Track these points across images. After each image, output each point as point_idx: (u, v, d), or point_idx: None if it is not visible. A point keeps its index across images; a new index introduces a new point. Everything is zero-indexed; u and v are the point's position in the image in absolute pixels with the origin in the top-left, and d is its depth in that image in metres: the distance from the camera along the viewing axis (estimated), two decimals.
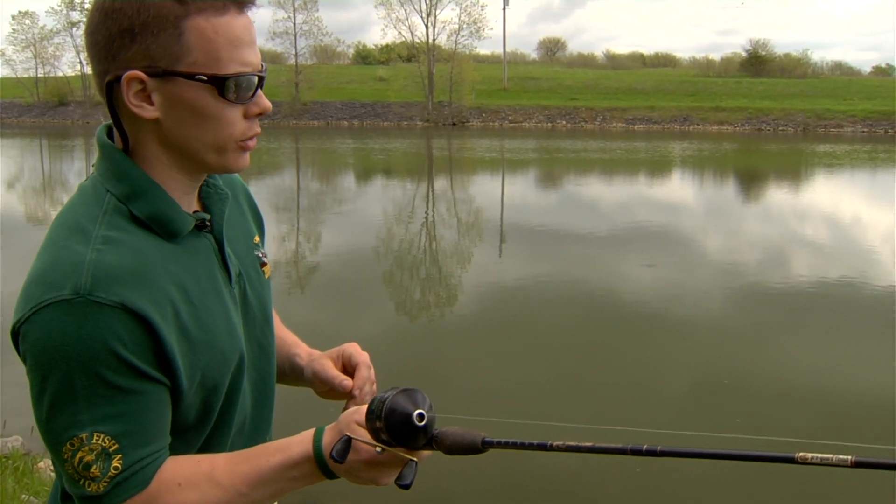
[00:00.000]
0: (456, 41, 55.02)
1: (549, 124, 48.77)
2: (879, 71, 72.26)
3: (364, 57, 75.87)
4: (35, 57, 62.01)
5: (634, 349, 6.91)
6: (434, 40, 54.88)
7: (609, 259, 10.92)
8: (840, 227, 13.96)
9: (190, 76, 1.01)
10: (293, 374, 1.39)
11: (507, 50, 63.26)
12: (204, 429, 1.11)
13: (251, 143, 1.09)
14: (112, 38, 1.00)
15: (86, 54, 1.06)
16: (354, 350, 1.36)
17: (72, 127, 50.93)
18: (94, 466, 0.96)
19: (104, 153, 1.07)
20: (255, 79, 1.05)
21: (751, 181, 22.95)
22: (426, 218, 15.35)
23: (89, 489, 0.97)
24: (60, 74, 61.97)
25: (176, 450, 1.06)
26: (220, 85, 1.02)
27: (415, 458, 1.02)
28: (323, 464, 1.05)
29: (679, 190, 20.08)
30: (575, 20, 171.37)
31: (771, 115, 45.77)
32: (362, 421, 1.04)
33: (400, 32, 60.03)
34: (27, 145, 37.25)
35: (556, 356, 6.80)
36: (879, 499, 4.29)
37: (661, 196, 18.59)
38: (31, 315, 0.95)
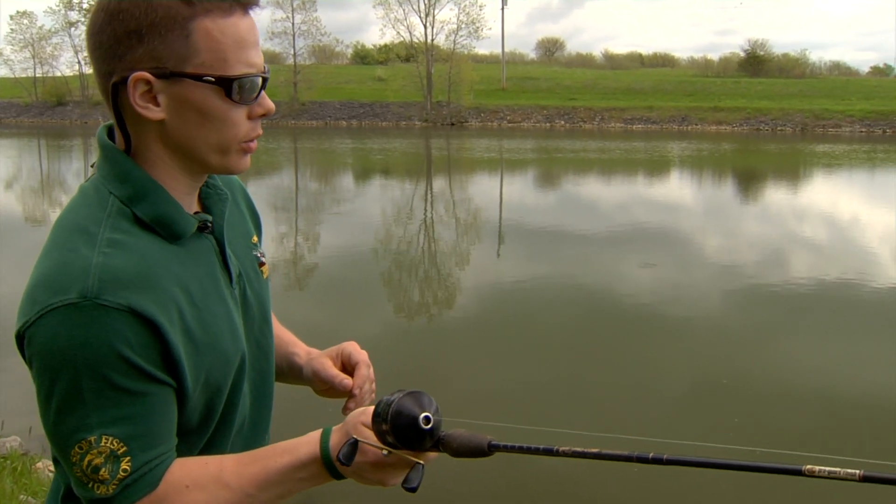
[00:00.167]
0: (454, 41, 55.06)
1: (548, 124, 48.78)
2: (877, 71, 72.32)
3: (362, 57, 75.84)
4: (33, 57, 62.00)
5: (634, 349, 6.91)
6: (432, 40, 54.94)
7: (608, 259, 10.92)
8: (839, 227, 13.97)
9: (198, 77, 1.01)
10: (291, 372, 1.39)
11: (506, 50, 63.35)
12: (206, 431, 1.11)
13: (253, 146, 1.10)
14: (118, 39, 0.99)
15: (87, 55, 1.06)
16: (353, 349, 1.37)
17: (70, 127, 50.90)
18: (103, 469, 0.96)
19: (106, 155, 1.07)
20: (259, 80, 1.06)
21: (749, 181, 22.97)
22: (425, 218, 15.35)
23: (98, 492, 0.97)
24: (59, 74, 61.98)
25: (179, 452, 1.06)
26: (228, 86, 1.02)
27: (421, 461, 1.03)
28: (330, 465, 1.05)
29: (678, 190, 20.09)
30: (573, 20, 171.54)
31: (769, 115, 45.79)
32: (369, 422, 1.04)
33: (398, 32, 60.07)
34: (25, 145, 37.23)
35: (555, 356, 6.80)
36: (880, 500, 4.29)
37: (661, 196, 18.60)
38: (38, 319, 0.94)
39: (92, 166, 1.12)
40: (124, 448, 0.96)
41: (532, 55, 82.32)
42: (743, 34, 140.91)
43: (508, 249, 12.01)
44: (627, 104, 49.69)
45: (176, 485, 1.01)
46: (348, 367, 1.35)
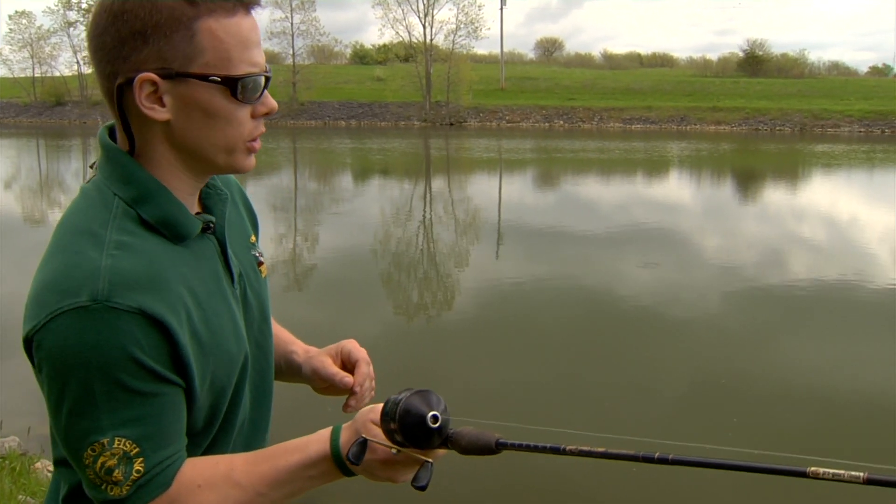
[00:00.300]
0: (453, 41, 55.08)
1: (547, 124, 48.79)
2: (876, 71, 72.37)
3: (361, 57, 75.84)
4: (32, 57, 62.00)
5: (633, 349, 6.92)
6: (431, 40, 54.93)
7: (607, 259, 10.92)
8: (839, 227, 13.98)
9: (203, 77, 1.01)
10: (289, 371, 1.40)
11: (505, 50, 63.40)
12: (210, 431, 1.12)
13: (257, 145, 1.11)
14: (123, 41, 0.99)
15: (87, 56, 1.06)
16: (353, 346, 1.38)
17: (69, 127, 50.89)
18: (117, 470, 0.96)
19: (109, 156, 1.07)
20: (262, 79, 1.07)
21: (749, 181, 22.98)
22: (424, 218, 15.35)
23: (112, 493, 0.97)
24: (57, 74, 61.94)
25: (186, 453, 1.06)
26: (233, 86, 1.03)
27: (430, 459, 1.04)
28: (341, 463, 1.06)
29: (677, 190, 20.10)
30: (572, 20, 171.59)
31: (768, 115, 45.83)
32: (377, 420, 1.05)
33: (397, 32, 60.21)
34: (24, 145, 37.19)
35: (554, 356, 6.80)
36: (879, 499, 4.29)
37: (660, 196, 18.61)
38: (47, 322, 0.94)
39: (91, 167, 1.12)
40: (137, 449, 0.97)
41: (531, 55, 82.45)
42: (742, 34, 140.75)
43: (508, 249, 12.01)
44: (626, 104, 49.71)
45: (188, 484, 1.02)
46: (348, 364, 1.36)
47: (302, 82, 53.68)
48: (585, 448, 1.00)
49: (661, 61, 76.33)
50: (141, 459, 0.97)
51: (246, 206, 1.33)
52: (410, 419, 1.00)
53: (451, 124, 49.39)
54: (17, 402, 5.36)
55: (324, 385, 1.36)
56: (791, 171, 25.53)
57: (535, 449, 1.02)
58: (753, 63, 58.74)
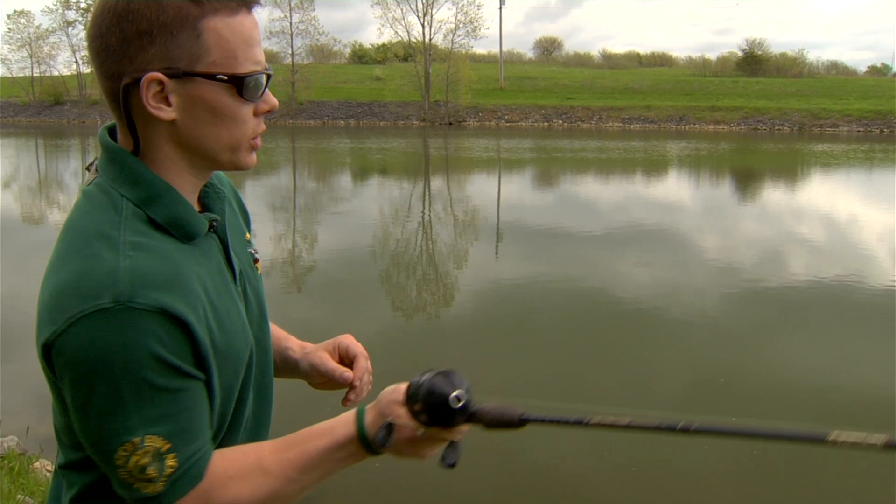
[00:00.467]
0: (452, 40, 55.03)
1: (546, 124, 48.80)
2: (875, 70, 72.47)
3: (360, 56, 75.85)
4: (30, 56, 62.03)
5: (631, 348, 6.92)
6: (430, 40, 54.88)
7: (606, 258, 10.92)
8: (837, 227, 13.99)
9: (211, 76, 1.02)
10: (286, 367, 1.41)
11: (504, 49, 63.46)
12: (222, 429, 1.13)
13: (258, 142, 1.12)
14: (128, 41, 0.99)
15: (87, 55, 1.05)
16: (350, 342, 1.40)
17: (67, 126, 50.86)
18: (150, 468, 0.97)
19: (114, 157, 1.06)
20: (264, 77, 1.08)
21: (748, 181, 22.99)
22: (423, 218, 15.35)
23: (147, 490, 0.99)
24: (56, 74, 61.92)
25: None
26: (239, 84, 1.04)
27: (456, 437, 1.07)
28: (367, 444, 1.08)
29: (676, 189, 20.10)
30: (571, 19, 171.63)
31: (767, 115, 45.86)
32: (401, 400, 1.06)
33: (396, 32, 60.26)
34: (23, 145, 37.16)
35: (553, 355, 6.80)
36: (878, 498, 4.30)
37: (659, 195, 18.61)
38: (69, 327, 0.94)
39: (87, 168, 1.12)
40: (168, 445, 0.98)
41: (530, 55, 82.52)
42: (741, 34, 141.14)
43: (507, 249, 12.01)
44: (625, 103, 49.74)
45: (219, 476, 1.03)
46: (346, 359, 1.38)
47: (301, 82, 53.66)
48: (610, 419, 1.02)
49: (660, 61, 76.36)
50: (173, 455, 0.98)
51: (238, 203, 1.34)
52: (435, 400, 1.02)
53: (450, 124, 49.39)
54: (15, 401, 5.36)
55: (321, 380, 1.37)
56: (790, 170, 25.53)
57: (559, 422, 1.05)
58: (752, 62, 58.77)
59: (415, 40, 55.93)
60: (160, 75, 1.00)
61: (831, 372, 6.34)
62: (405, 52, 58.14)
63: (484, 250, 11.96)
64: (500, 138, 38.64)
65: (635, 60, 77.19)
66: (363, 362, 1.37)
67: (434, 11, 55.25)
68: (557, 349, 6.97)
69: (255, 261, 1.26)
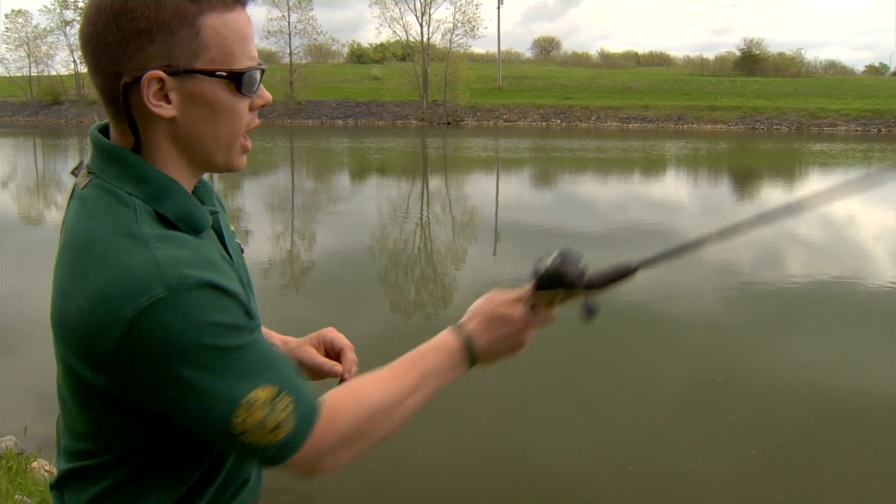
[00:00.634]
0: (450, 40, 55.00)
1: (544, 123, 48.81)
2: (873, 70, 72.62)
3: (358, 56, 75.89)
4: (28, 56, 61.96)
5: (628, 347, 6.91)
6: (428, 39, 54.85)
7: (605, 258, 10.87)
8: (836, 226, 13.99)
9: (210, 73, 1.03)
10: None
11: (502, 49, 63.44)
12: None
13: (249, 144, 1.13)
14: (127, 39, 0.99)
15: (82, 55, 1.05)
16: (334, 334, 1.44)
17: (65, 126, 50.80)
18: (269, 418, 0.98)
19: (114, 156, 1.06)
20: (258, 72, 1.09)
21: (746, 180, 23.00)
22: (421, 217, 15.34)
23: (278, 439, 1.00)
24: (54, 73, 61.88)
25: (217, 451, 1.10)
26: (238, 79, 1.05)
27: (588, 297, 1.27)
28: (471, 352, 1.18)
29: (674, 189, 20.11)
30: (569, 19, 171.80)
31: (765, 114, 45.89)
32: (509, 299, 1.21)
33: (394, 31, 60.23)
34: (20, 144, 37.13)
35: (551, 355, 6.79)
36: (878, 499, 4.30)
37: (658, 195, 18.62)
38: (130, 327, 0.93)
39: (73, 173, 1.11)
40: (274, 388, 0.99)
41: (528, 54, 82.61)
42: (739, 33, 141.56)
43: (505, 248, 12.01)
44: (623, 103, 49.75)
45: (337, 398, 1.08)
46: (331, 352, 1.42)
47: (299, 81, 53.62)
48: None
49: (658, 60, 76.45)
50: (283, 395, 0.99)
51: (217, 198, 1.35)
52: (571, 269, 1.23)
53: (449, 123, 49.38)
54: (13, 401, 5.35)
55: (307, 374, 1.40)
56: (788, 170, 25.55)
57: (666, 256, 1.34)
58: (750, 62, 58.84)
59: (413, 40, 55.96)
60: (161, 73, 1.00)
61: (830, 371, 6.34)
62: (403, 52, 58.16)
63: (482, 250, 11.96)
64: (499, 138, 38.63)
65: (633, 60, 77.28)
66: (350, 354, 1.40)
67: (432, 11, 55.28)
68: (556, 349, 6.96)
69: (242, 251, 1.28)
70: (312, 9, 58.14)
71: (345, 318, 7.86)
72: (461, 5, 57.67)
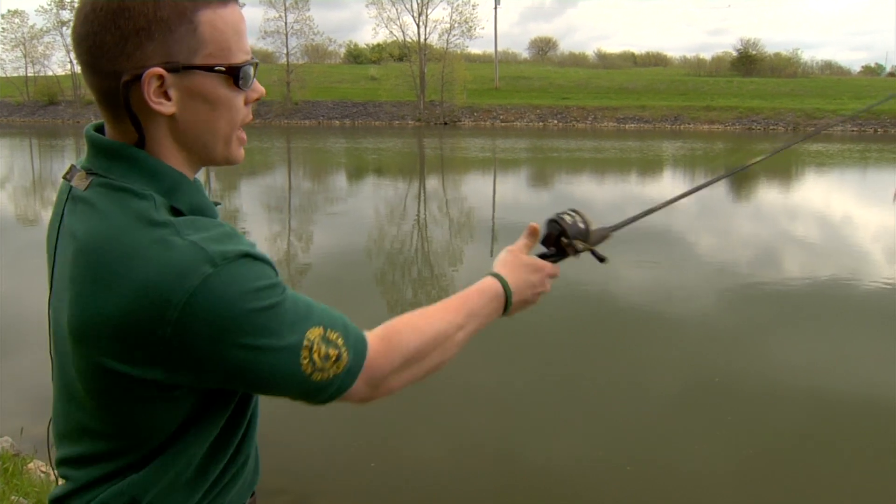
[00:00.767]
0: (447, 40, 55.00)
1: (541, 123, 48.82)
2: (869, 70, 72.73)
3: (355, 56, 75.83)
4: (24, 56, 61.82)
5: (627, 347, 6.92)
6: (425, 40, 54.85)
7: (604, 256, 10.90)
8: (834, 226, 14.01)
9: (209, 69, 1.04)
10: None
11: (499, 49, 63.34)
12: (246, 413, 1.16)
13: (244, 136, 1.14)
14: (126, 38, 0.99)
15: (76, 54, 1.04)
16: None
17: (62, 126, 50.72)
18: (330, 350, 1.05)
19: (122, 154, 1.05)
20: (252, 66, 1.10)
21: (743, 180, 23.01)
22: (419, 217, 15.34)
23: (342, 368, 1.06)
24: (50, 74, 61.77)
25: (233, 429, 1.13)
26: (236, 74, 1.06)
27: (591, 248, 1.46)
28: (508, 298, 1.32)
29: (672, 189, 20.12)
30: (566, 20, 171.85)
31: (761, 115, 45.94)
32: (526, 253, 1.40)
33: (391, 32, 60.08)
34: (17, 145, 37.07)
35: (550, 355, 6.79)
36: (877, 499, 4.30)
37: (656, 194, 18.62)
38: (186, 309, 0.94)
39: (66, 178, 1.09)
40: (321, 326, 1.05)
41: (525, 54, 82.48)
42: (735, 34, 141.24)
43: (503, 248, 11.98)
44: (620, 103, 49.78)
45: (395, 326, 1.18)
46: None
47: (296, 82, 53.58)
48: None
49: (654, 61, 76.48)
50: (329, 329, 1.06)
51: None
52: (577, 229, 1.44)
53: (446, 124, 49.38)
54: (9, 402, 5.33)
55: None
56: (785, 170, 25.57)
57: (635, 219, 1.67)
58: (747, 62, 58.91)
59: (410, 40, 55.96)
60: (161, 70, 1.00)
61: (828, 371, 6.35)
62: (400, 52, 58.10)
63: (479, 250, 11.95)
64: (496, 138, 38.64)
65: (630, 60, 77.31)
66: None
67: (429, 11, 55.25)
68: (555, 348, 6.96)
69: None
70: (309, 9, 58.08)
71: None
72: (458, 6, 57.79)
